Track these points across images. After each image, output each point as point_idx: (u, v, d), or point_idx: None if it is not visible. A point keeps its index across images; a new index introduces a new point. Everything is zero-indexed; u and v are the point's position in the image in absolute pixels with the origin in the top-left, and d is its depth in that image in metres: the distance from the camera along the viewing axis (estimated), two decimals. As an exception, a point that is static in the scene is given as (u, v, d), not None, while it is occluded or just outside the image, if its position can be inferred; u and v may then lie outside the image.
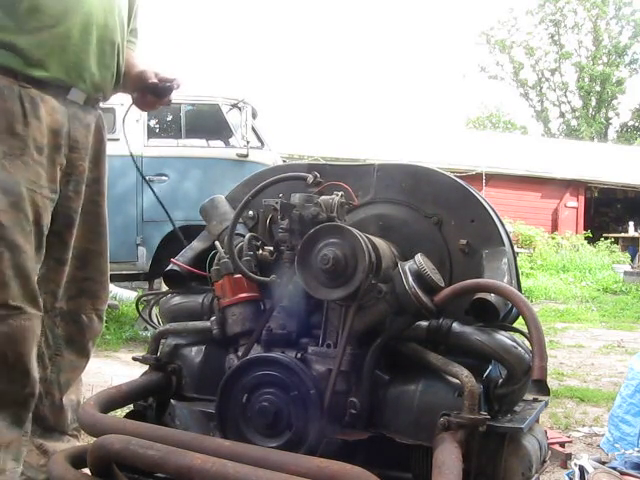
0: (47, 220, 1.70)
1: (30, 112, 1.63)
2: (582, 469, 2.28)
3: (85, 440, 2.28)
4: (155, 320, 1.97)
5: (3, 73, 1.61)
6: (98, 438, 1.28)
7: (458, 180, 1.62)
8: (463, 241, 1.56)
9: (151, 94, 1.94)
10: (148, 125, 5.95)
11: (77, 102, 1.76)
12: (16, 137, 1.61)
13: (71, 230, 1.81)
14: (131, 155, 2.14)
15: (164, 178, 5.84)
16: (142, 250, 5.77)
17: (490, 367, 1.40)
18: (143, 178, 1.82)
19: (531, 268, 12.52)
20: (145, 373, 1.69)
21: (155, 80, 1.92)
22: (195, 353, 1.67)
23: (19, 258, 1.62)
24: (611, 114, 31.51)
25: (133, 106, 2.02)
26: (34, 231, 1.66)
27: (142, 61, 2.00)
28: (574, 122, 31.12)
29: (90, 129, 1.82)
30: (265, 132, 6.41)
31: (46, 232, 1.71)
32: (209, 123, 6.38)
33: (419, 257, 1.38)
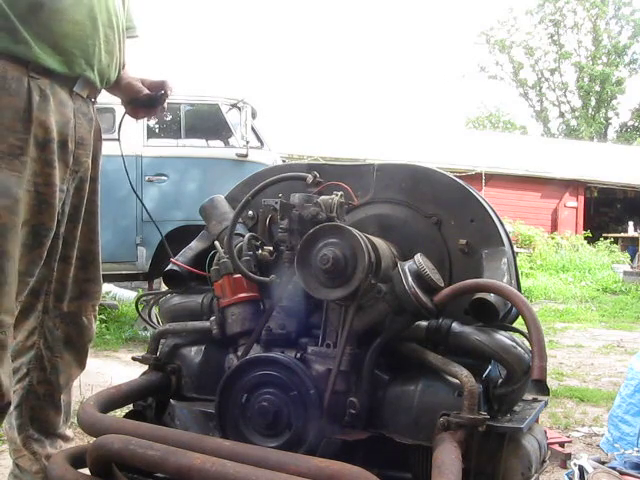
0: (47, 218, 1.64)
1: (37, 106, 1.58)
2: (582, 469, 2.28)
3: (85, 440, 2.28)
4: (155, 320, 1.97)
5: (13, 62, 1.55)
6: (98, 438, 1.28)
7: (458, 180, 1.62)
8: (463, 241, 1.56)
9: (144, 106, 1.91)
10: (148, 125, 5.96)
11: (81, 95, 1.72)
12: (16, 135, 1.56)
13: (76, 229, 1.79)
14: (122, 158, 2.09)
15: (164, 178, 5.85)
16: (142, 250, 5.78)
17: (490, 367, 1.40)
18: (131, 184, 1.84)
19: (530, 268, 12.52)
20: (145, 373, 1.69)
21: (146, 91, 1.88)
22: (195, 353, 1.67)
23: (3, 265, 1.53)
24: (611, 114, 31.51)
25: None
26: (30, 231, 1.61)
27: (128, 67, 1.95)
28: (574, 122, 31.13)
29: (92, 124, 1.79)
30: (265, 132, 6.42)
31: (47, 232, 1.65)
32: (209, 123, 6.39)
33: (419, 257, 1.37)
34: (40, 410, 1.86)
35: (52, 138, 1.62)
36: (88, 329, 1.91)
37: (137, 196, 2.15)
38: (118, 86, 1.92)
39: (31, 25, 1.56)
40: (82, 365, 1.95)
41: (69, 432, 1.97)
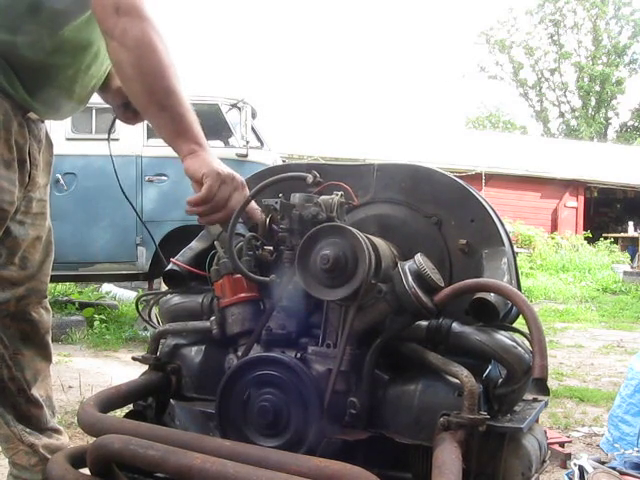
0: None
1: (2, 125, 1.63)
2: (582, 469, 2.29)
3: (84, 440, 2.28)
4: (155, 320, 1.97)
5: None
6: (98, 438, 1.28)
7: (458, 180, 1.62)
8: (463, 241, 1.56)
9: (134, 111, 1.90)
10: (147, 125, 5.96)
11: (32, 118, 1.77)
12: None
13: (19, 240, 1.83)
14: (112, 161, 2.11)
15: (164, 178, 5.86)
16: (142, 250, 5.78)
17: (490, 367, 1.40)
18: (120, 185, 1.81)
19: (531, 268, 12.54)
20: (144, 373, 1.69)
21: None
22: (195, 353, 1.67)
23: None
24: (610, 114, 31.54)
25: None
26: None
27: None
28: (574, 122, 31.14)
29: (42, 144, 1.85)
30: (265, 132, 6.42)
31: None
32: (209, 123, 6.38)
33: (419, 257, 1.37)
34: (20, 407, 1.90)
35: (13, 157, 1.67)
36: (41, 322, 1.95)
37: (128, 201, 2.14)
38: (109, 90, 1.94)
39: (7, 59, 1.62)
40: (48, 358, 1.99)
41: (59, 426, 2.02)
